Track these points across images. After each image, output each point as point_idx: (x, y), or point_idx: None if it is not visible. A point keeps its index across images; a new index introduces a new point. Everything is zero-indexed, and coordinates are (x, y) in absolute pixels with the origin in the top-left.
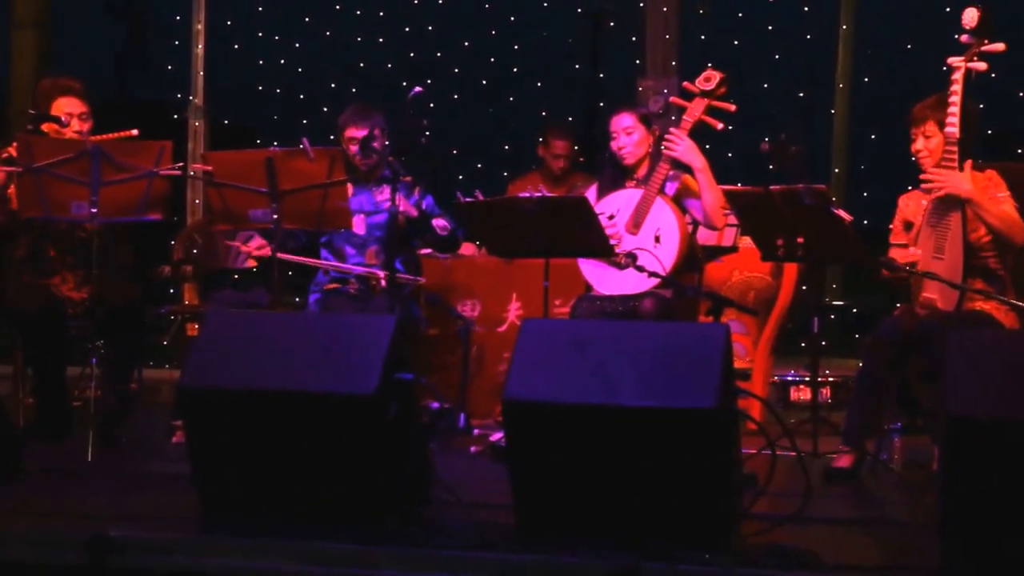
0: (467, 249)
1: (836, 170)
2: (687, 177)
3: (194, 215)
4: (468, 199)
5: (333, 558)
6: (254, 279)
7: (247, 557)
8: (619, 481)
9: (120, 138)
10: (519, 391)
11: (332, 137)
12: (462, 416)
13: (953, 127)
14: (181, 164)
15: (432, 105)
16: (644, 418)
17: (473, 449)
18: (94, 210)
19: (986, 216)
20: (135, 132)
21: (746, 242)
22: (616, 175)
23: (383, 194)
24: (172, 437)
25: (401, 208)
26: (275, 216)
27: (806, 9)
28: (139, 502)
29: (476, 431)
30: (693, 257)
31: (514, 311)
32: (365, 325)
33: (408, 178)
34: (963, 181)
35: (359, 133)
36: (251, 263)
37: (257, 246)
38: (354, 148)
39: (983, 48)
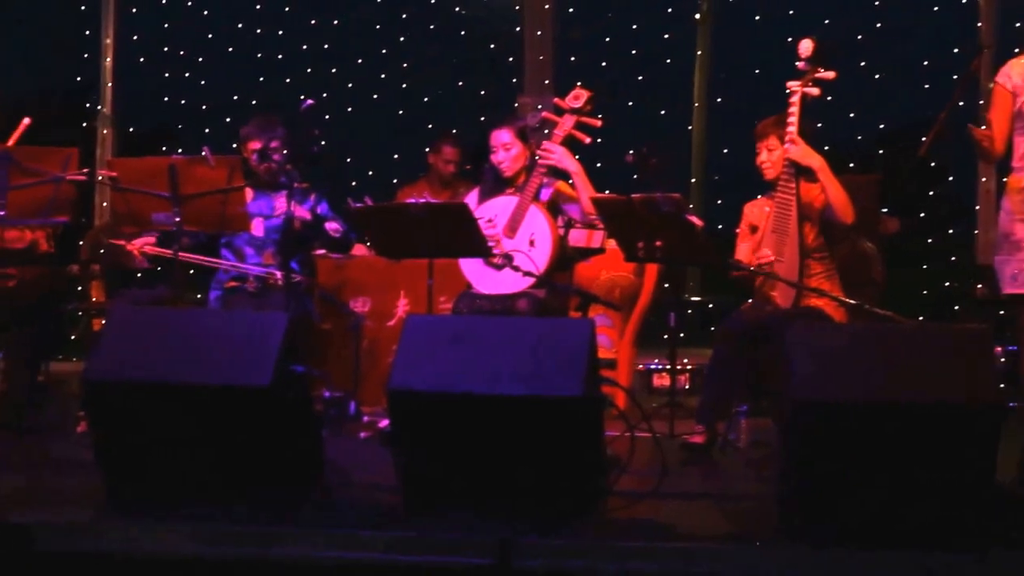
0: (358, 250)
1: (693, 180)
2: (561, 183)
3: (101, 218)
4: (359, 204)
5: (230, 538)
6: (158, 278)
7: (148, 539)
8: (496, 463)
9: (22, 134)
10: (403, 381)
11: (235, 146)
12: (353, 404)
13: (791, 143)
14: (87, 169)
15: (327, 117)
16: (517, 405)
17: (363, 435)
18: (2, 212)
19: (829, 186)
20: (27, 121)
21: (612, 244)
22: (496, 183)
23: (280, 199)
24: (77, 427)
25: (297, 213)
26: (177, 219)
27: (666, 36)
28: (42, 487)
29: (366, 418)
30: (564, 258)
31: (402, 307)
32: (261, 321)
33: (304, 184)
34: (812, 154)
35: (259, 143)
36: (149, 254)
37: (142, 243)
38: (254, 157)
39: (817, 75)
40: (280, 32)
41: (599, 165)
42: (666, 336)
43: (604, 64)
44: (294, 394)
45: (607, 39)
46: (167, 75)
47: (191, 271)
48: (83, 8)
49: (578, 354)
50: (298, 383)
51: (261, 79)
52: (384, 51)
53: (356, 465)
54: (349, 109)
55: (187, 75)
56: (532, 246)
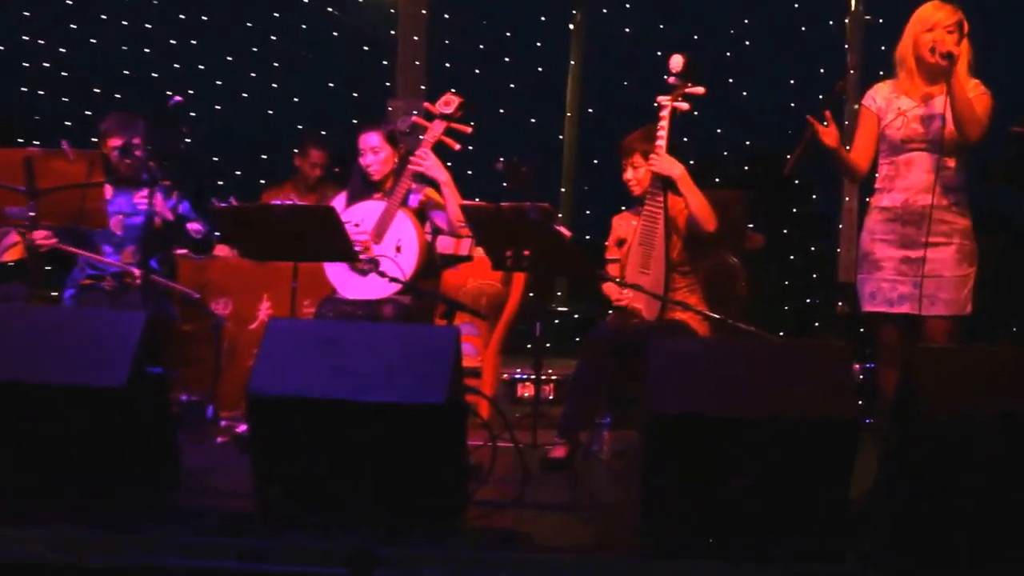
0: (221, 251)
1: (563, 190)
2: (430, 190)
3: None
4: (223, 204)
5: (81, 545)
6: (12, 273)
7: None
8: (356, 471)
9: None
10: (263, 385)
11: (95, 140)
12: (210, 408)
13: (654, 156)
14: None
15: (193, 114)
16: (379, 412)
17: (220, 440)
18: None
19: (690, 194)
20: None
21: (480, 252)
22: (365, 187)
23: (141, 197)
24: None
25: (158, 211)
26: (32, 213)
27: (539, 45)
28: None
29: (223, 423)
30: (432, 265)
31: (264, 310)
32: (117, 321)
33: (167, 182)
34: (674, 164)
35: (120, 139)
36: (9, 257)
37: (43, 236)
38: (115, 153)
39: (687, 90)
40: (148, 25)
41: (469, 172)
42: (531, 346)
43: (477, 71)
44: (150, 396)
45: (480, 46)
46: (26, 65)
47: (47, 267)
48: None
49: (442, 362)
50: (154, 385)
51: (126, 72)
52: (255, 49)
53: (212, 471)
54: (217, 107)
55: (46, 65)
56: (399, 252)
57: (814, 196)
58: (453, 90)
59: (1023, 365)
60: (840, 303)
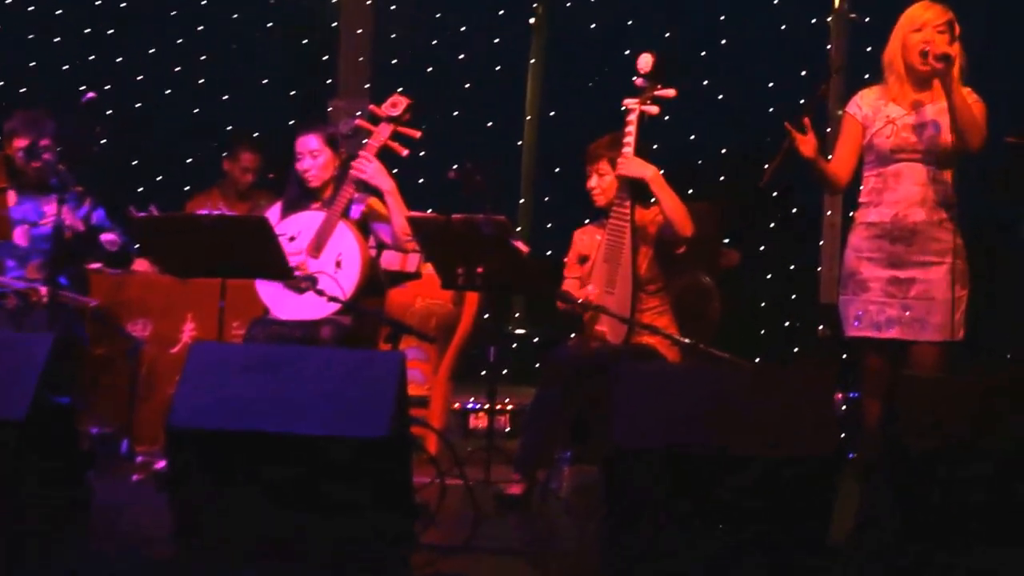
0: (140, 265)
1: (522, 200)
2: (374, 200)
3: None
4: (143, 213)
5: None
6: None
7: None
8: (289, 512)
9: None
10: (185, 417)
11: None
12: (125, 442)
13: (623, 160)
14: None
15: (109, 112)
16: (315, 446)
17: (136, 477)
18: None
19: (664, 197)
20: None
21: (429, 269)
22: (301, 195)
23: (50, 205)
24: None
25: (68, 221)
26: None
27: (496, 41)
28: None
29: (140, 458)
30: (375, 282)
31: (188, 332)
32: (19, 344)
33: (78, 188)
34: (645, 165)
35: (26, 140)
36: None
37: None
38: (20, 156)
39: (656, 93)
40: (58, 12)
41: (420, 181)
42: (485, 372)
43: (429, 69)
44: (56, 429)
45: (433, 41)
46: None
47: None
48: None
49: (386, 390)
50: (61, 417)
51: (32, 64)
52: (180, 41)
53: (127, 511)
54: (137, 105)
55: None
56: (339, 268)
57: (794, 210)
58: (401, 89)
59: (1014, 394)
60: (821, 327)
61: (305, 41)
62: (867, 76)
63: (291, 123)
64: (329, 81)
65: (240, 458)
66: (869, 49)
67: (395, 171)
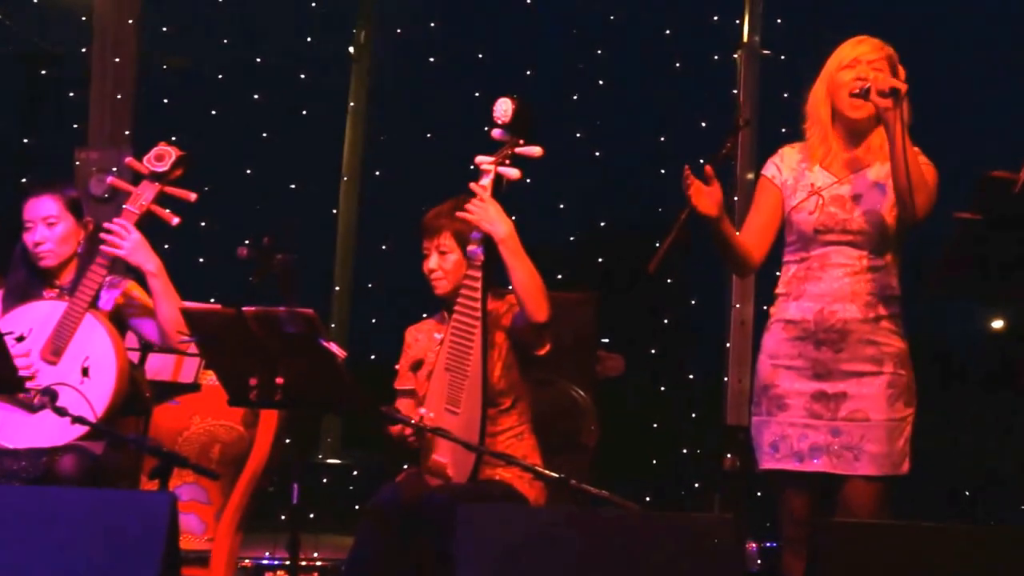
0: None
1: (337, 288)
2: (132, 285)
3: None
4: None
5: None
6: None
7: None
8: None
9: None
10: None
11: None
12: None
13: (476, 247)
14: None
15: None
16: None
17: None
18: None
19: (517, 264)
20: None
21: (212, 379)
22: (32, 278)
23: None
24: None
25: None
26: None
27: (303, 76)
28: None
29: None
30: (137, 397)
31: None
32: None
33: None
34: (500, 220)
35: None
36: None
37: None
38: None
39: (517, 150)
40: None
41: (202, 260)
42: (285, 517)
43: (213, 112)
44: None
45: (219, 76)
46: None
47: None
48: None
49: (150, 545)
50: None
51: None
52: None
53: None
54: None
55: None
56: (86, 376)
57: (692, 301)
58: (172, 139)
59: (963, 544)
60: (728, 455)
61: (44, 72)
62: (784, 130)
63: (22, 181)
64: (76, 126)
65: None
66: (786, 95)
67: (162, 248)
